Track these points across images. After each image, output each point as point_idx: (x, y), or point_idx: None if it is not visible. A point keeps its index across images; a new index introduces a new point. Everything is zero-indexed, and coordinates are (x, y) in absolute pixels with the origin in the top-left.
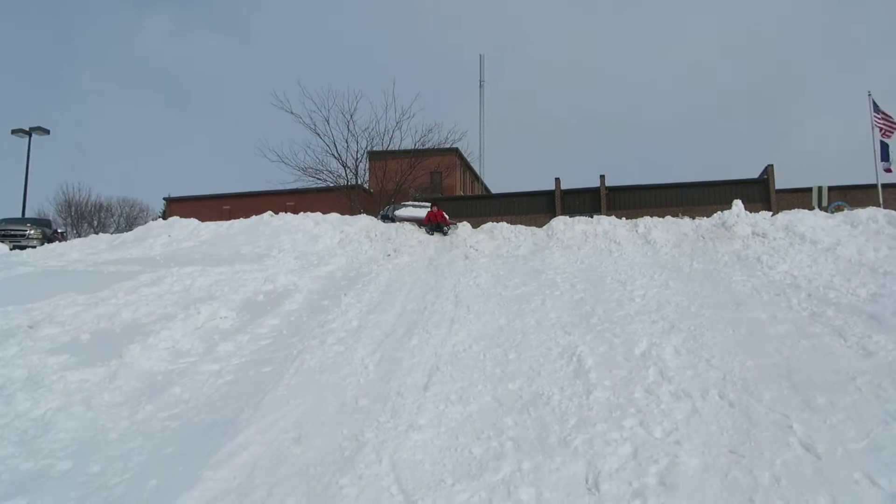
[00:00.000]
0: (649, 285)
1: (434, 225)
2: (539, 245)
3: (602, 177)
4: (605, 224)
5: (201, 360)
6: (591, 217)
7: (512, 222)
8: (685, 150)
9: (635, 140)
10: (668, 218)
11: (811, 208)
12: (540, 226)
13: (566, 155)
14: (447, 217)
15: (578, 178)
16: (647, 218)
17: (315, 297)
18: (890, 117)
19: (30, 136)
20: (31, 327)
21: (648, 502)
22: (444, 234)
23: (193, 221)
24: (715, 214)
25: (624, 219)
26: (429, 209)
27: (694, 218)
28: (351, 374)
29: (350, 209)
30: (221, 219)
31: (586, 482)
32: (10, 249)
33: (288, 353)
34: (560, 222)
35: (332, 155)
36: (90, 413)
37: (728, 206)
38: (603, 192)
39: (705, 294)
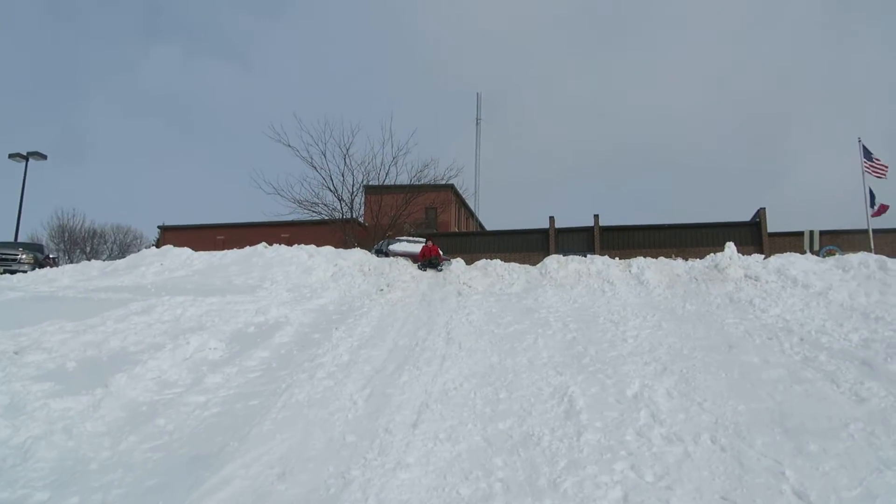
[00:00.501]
0: (642, 326)
1: (427, 261)
2: (532, 283)
3: (596, 216)
4: (598, 264)
5: (188, 392)
6: (585, 256)
7: (506, 259)
8: (679, 191)
9: (630, 179)
10: (662, 259)
11: (803, 252)
12: (534, 264)
13: (561, 193)
14: (441, 253)
15: (573, 216)
16: (641, 258)
17: (306, 330)
18: (879, 161)
19: (27, 161)
20: (16, 353)
21: None
22: (438, 269)
23: (187, 250)
24: (708, 256)
25: (617, 259)
26: (423, 244)
27: (687, 259)
28: (339, 409)
29: (344, 243)
30: (215, 248)
31: None
32: (1, 273)
33: (276, 387)
34: (554, 261)
35: (328, 188)
36: (71, 442)
37: (720, 247)
38: (597, 232)
39: (698, 336)
